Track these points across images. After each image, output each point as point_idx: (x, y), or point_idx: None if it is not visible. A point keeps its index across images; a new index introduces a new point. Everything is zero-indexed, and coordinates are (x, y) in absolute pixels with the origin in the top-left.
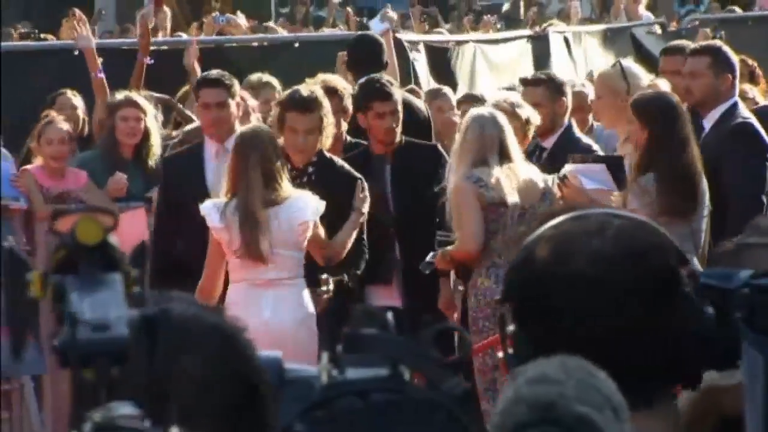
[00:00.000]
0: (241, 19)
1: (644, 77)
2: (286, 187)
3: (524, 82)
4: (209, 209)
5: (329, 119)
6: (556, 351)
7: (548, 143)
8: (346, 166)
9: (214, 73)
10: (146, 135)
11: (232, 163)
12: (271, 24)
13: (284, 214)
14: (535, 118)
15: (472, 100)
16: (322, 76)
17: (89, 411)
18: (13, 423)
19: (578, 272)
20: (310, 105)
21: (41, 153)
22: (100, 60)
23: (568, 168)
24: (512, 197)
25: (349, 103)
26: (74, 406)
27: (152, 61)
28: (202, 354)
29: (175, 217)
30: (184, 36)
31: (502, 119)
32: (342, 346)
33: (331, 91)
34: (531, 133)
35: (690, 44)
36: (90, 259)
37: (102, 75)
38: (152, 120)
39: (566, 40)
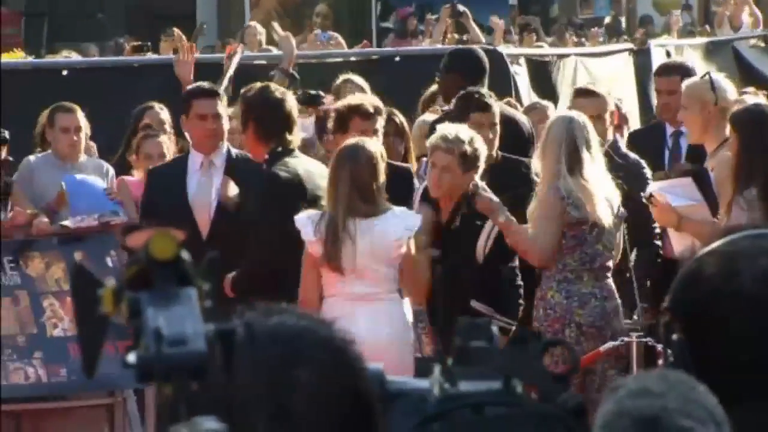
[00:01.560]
0: (339, 38)
1: (732, 91)
2: (381, 201)
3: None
4: (304, 222)
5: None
6: (715, 365)
7: None
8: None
9: (207, 83)
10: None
11: (329, 175)
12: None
13: (378, 228)
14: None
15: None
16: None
17: (172, 426)
18: None
19: (743, 290)
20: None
21: (140, 166)
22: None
23: (653, 187)
24: (595, 215)
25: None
26: (157, 421)
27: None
28: (314, 367)
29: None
30: (274, 51)
31: (587, 124)
32: (452, 359)
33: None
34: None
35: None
36: (164, 275)
37: None
38: None
39: (668, 54)
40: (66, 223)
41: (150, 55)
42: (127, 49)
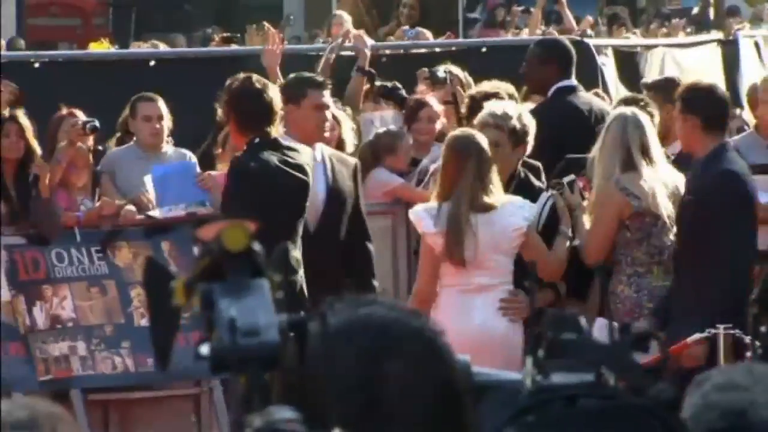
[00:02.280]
0: (428, 33)
1: None
2: (498, 192)
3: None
4: (422, 215)
5: None
6: None
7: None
8: None
9: (321, 76)
10: (339, 145)
11: (444, 167)
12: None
13: (497, 219)
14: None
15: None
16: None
17: (248, 415)
18: (202, 426)
19: None
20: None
21: (225, 159)
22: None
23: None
24: (659, 207)
25: None
26: (233, 411)
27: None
28: (406, 358)
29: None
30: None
31: (645, 119)
32: (544, 352)
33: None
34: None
35: None
36: (237, 266)
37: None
38: (348, 132)
39: (756, 45)
40: (154, 213)
41: (235, 47)
42: (217, 40)
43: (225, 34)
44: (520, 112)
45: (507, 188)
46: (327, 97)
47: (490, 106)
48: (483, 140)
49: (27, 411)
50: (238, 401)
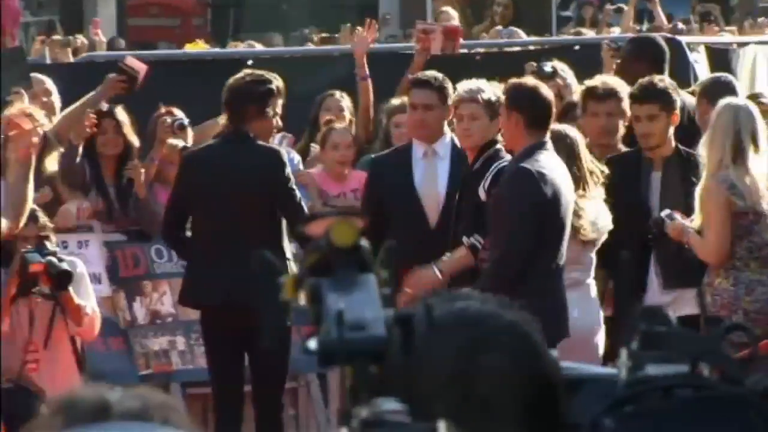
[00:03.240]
0: (521, 33)
1: None
2: (591, 187)
3: None
4: None
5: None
6: None
7: None
8: None
9: (428, 74)
10: None
11: None
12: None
13: (591, 213)
14: None
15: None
16: (601, 78)
17: (355, 407)
18: (299, 420)
19: None
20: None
21: (326, 157)
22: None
23: None
24: (762, 205)
25: (627, 105)
26: (342, 403)
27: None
28: (501, 351)
29: (381, 215)
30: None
31: (755, 111)
32: (638, 344)
33: (612, 94)
34: None
35: None
36: (345, 261)
37: (368, 80)
38: None
39: None
40: None
41: (326, 46)
42: (316, 39)
43: (324, 34)
44: (493, 88)
45: (480, 156)
46: (424, 96)
47: (462, 84)
48: (576, 135)
49: (139, 401)
50: (345, 393)
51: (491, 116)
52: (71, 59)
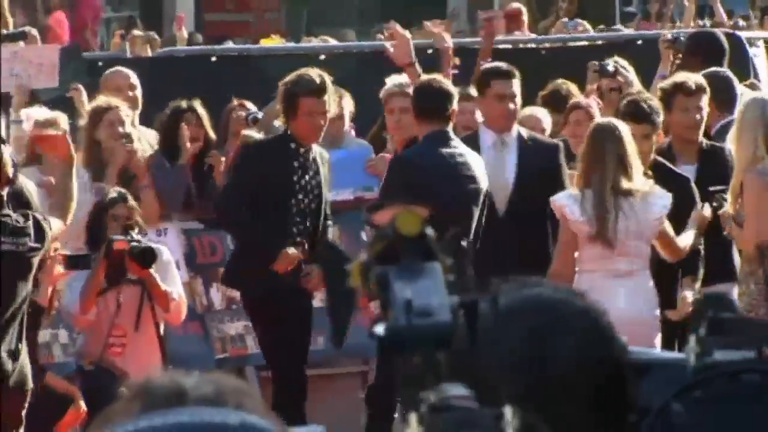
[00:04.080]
0: (586, 25)
1: None
2: (639, 179)
3: None
4: (566, 199)
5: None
6: None
7: None
8: None
9: (504, 65)
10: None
11: (587, 153)
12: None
13: (639, 206)
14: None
15: None
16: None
17: (420, 393)
18: None
19: None
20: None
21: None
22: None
23: None
24: None
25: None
26: (402, 388)
27: (456, 71)
28: (573, 336)
29: None
30: (529, 35)
31: None
32: (705, 330)
33: (702, 89)
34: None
35: None
36: (411, 250)
37: (454, 71)
38: None
39: None
40: None
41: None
42: (386, 34)
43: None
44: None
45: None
46: (510, 86)
47: (391, 79)
48: (624, 129)
49: (213, 386)
50: (409, 379)
51: None
52: (150, 54)
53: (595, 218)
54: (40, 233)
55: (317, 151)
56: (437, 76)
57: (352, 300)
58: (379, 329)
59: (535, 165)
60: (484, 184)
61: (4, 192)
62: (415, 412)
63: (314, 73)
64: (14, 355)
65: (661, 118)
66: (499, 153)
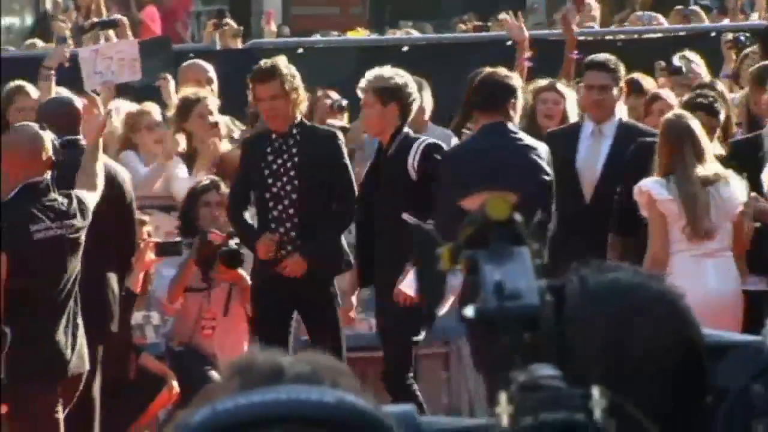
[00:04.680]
0: (660, 18)
1: None
2: (716, 166)
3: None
4: (653, 184)
5: (294, 85)
6: None
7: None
8: (325, 128)
9: (602, 56)
10: (564, 118)
11: (663, 145)
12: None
13: (722, 191)
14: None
15: None
16: None
17: (510, 373)
18: (451, 383)
19: None
20: (267, 75)
21: None
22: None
23: None
24: None
25: None
26: (496, 369)
27: (580, 55)
28: (651, 318)
29: None
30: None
31: None
32: None
33: None
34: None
35: None
36: (500, 234)
37: (528, 63)
38: (572, 106)
39: None
40: None
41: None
42: (469, 27)
43: (477, 23)
44: (394, 74)
45: (392, 141)
46: (600, 78)
47: (371, 73)
48: (694, 121)
49: (309, 365)
50: (499, 360)
51: (383, 102)
52: (239, 46)
53: (684, 208)
54: (83, 211)
55: (309, 136)
56: (498, 70)
57: (441, 283)
58: (469, 311)
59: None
60: (544, 173)
61: (48, 176)
62: (505, 392)
63: (270, 61)
64: (74, 337)
65: (723, 113)
66: (595, 142)
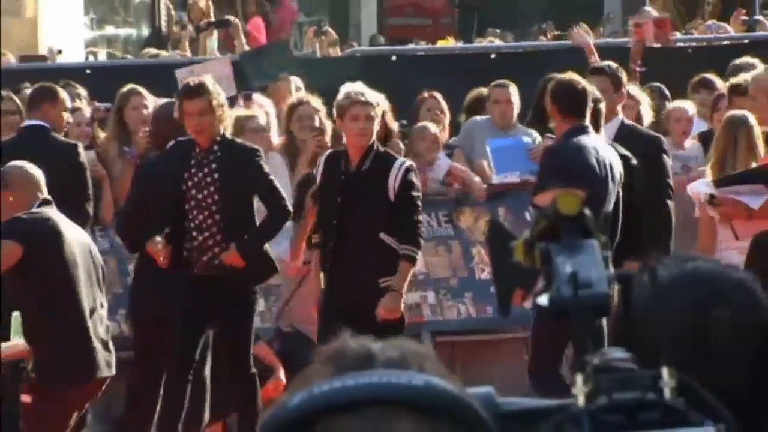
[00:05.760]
0: (727, 27)
1: None
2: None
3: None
4: (701, 187)
5: (219, 102)
6: None
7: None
8: (245, 144)
9: (602, 63)
10: (638, 120)
11: (719, 141)
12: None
13: None
14: None
15: None
16: None
17: (584, 356)
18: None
19: None
20: (195, 92)
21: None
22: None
23: None
24: None
25: None
26: (575, 353)
27: (642, 68)
28: (732, 306)
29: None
30: (678, 35)
31: None
32: None
33: None
34: None
35: None
36: (570, 228)
37: (640, 69)
38: (646, 108)
39: None
40: (493, 181)
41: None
42: (549, 36)
43: (556, 32)
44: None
45: (366, 156)
46: (600, 81)
47: (350, 87)
48: (752, 119)
49: (398, 351)
50: (575, 344)
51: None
52: (339, 54)
53: (731, 201)
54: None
55: (230, 151)
56: (575, 76)
57: (515, 274)
58: (542, 299)
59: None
60: (617, 173)
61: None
62: (580, 373)
63: (198, 79)
64: (104, 340)
65: None
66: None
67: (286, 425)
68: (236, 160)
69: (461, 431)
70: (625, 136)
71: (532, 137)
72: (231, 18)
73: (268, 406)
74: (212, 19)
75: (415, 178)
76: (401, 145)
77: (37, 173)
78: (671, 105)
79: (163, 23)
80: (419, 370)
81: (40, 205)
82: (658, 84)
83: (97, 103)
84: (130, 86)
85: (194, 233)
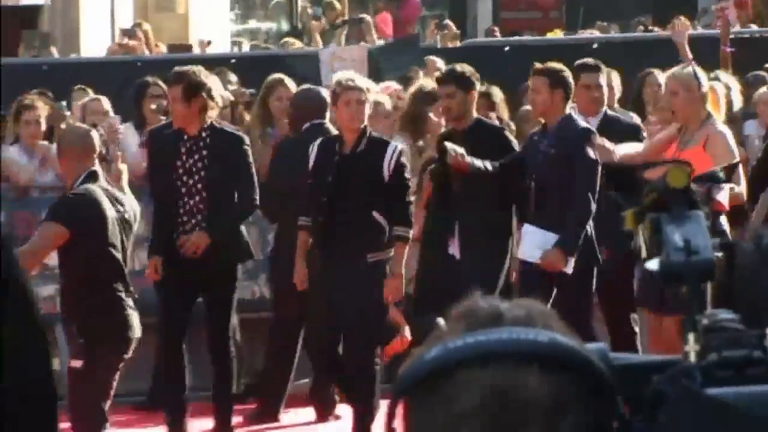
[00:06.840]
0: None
1: (705, 79)
2: None
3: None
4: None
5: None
6: None
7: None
8: (232, 131)
9: (591, 60)
10: (729, 106)
11: None
12: None
13: None
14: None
15: None
16: None
17: (695, 316)
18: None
19: None
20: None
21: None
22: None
23: None
24: None
25: None
26: (687, 316)
27: (733, 49)
28: None
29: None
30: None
31: None
32: None
33: None
34: None
35: None
36: (679, 200)
37: (729, 49)
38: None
39: None
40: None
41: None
42: (641, 28)
43: (650, 27)
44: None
45: (361, 138)
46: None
47: (342, 75)
48: None
49: (524, 310)
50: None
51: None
52: (458, 44)
53: None
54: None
55: (218, 138)
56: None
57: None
58: (653, 264)
59: None
60: None
61: (97, 167)
62: (693, 333)
63: (192, 68)
64: (133, 309)
65: None
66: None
67: (423, 376)
68: (223, 146)
69: (583, 383)
70: (607, 125)
71: (632, 119)
72: (364, 16)
73: (392, 360)
74: (346, 17)
75: (406, 161)
76: (513, 126)
77: (94, 139)
78: (761, 90)
79: (299, 18)
80: (544, 328)
81: (86, 177)
82: (759, 73)
83: (242, 89)
84: (276, 76)
85: (185, 218)
